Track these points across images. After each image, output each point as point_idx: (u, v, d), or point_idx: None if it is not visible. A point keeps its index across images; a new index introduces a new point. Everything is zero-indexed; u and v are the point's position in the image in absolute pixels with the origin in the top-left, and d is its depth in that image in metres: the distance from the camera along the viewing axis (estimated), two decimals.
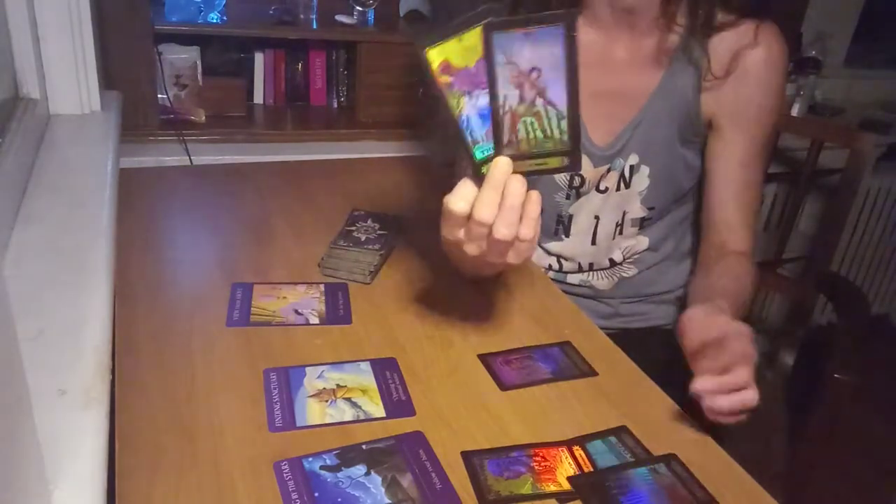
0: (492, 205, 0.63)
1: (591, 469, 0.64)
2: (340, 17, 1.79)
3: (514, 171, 0.64)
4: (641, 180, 1.01)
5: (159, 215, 1.04)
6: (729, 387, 0.67)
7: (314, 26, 1.76)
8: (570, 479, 0.63)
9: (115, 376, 0.66)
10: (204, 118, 1.67)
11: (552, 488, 0.62)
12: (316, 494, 0.58)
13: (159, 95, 1.61)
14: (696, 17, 0.94)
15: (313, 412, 0.67)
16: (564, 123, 0.62)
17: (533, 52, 0.60)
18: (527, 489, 0.61)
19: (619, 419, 0.71)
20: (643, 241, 1.07)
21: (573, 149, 0.63)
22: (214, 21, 1.66)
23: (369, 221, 1.01)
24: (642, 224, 1.05)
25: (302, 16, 1.76)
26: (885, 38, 2.60)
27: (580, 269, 1.09)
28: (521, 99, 0.61)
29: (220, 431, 0.64)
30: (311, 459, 0.62)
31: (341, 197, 1.15)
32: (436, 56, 0.60)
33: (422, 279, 0.94)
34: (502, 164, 0.63)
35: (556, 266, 1.09)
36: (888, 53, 2.58)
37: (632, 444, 0.68)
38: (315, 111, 1.89)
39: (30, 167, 0.91)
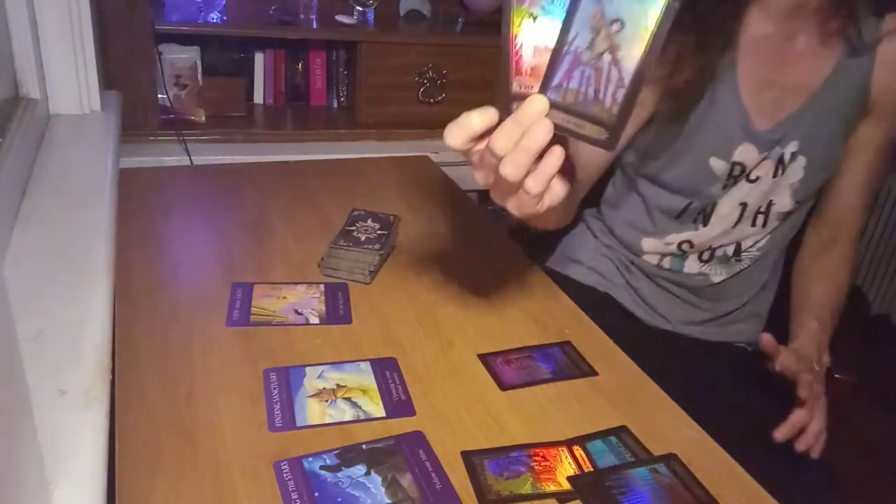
0: (508, 138, 0.56)
1: (591, 469, 0.64)
2: (340, 17, 1.79)
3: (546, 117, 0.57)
4: (796, 171, 1.00)
5: (159, 215, 1.04)
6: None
7: (314, 26, 1.77)
8: (570, 478, 0.63)
9: (115, 376, 0.66)
10: (204, 118, 1.67)
11: (552, 488, 0.62)
12: (316, 494, 0.58)
13: (159, 95, 1.61)
14: (869, 5, 0.95)
15: (313, 412, 0.68)
16: (621, 94, 0.55)
17: (625, 2, 0.53)
18: (527, 489, 0.61)
19: (619, 419, 0.71)
20: (772, 237, 1.07)
21: (616, 126, 0.56)
22: (214, 21, 1.67)
23: (369, 221, 1.01)
24: (785, 219, 1.05)
25: (302, 16, 1.76)
26: None
27: (699, 259, 1.08)
28: (590, 46, 0.54)
29: (220, 431, 0.64)
30: (311, 459, 0.62)
31: (341, 197, 1.15)
32: None
33: (421, 279, 0.94)
34: (538, 102, 0.55)
35: (676, 252, 1.08)
36: None
37: (632, 444, 0.68)
38: (315, 111, 1.89)
39: (30, 167, 0.91)
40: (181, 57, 1.65)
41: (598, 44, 0.54)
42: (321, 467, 0.61)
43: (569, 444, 0.67)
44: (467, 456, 0.64)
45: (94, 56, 1.14)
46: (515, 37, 0.56)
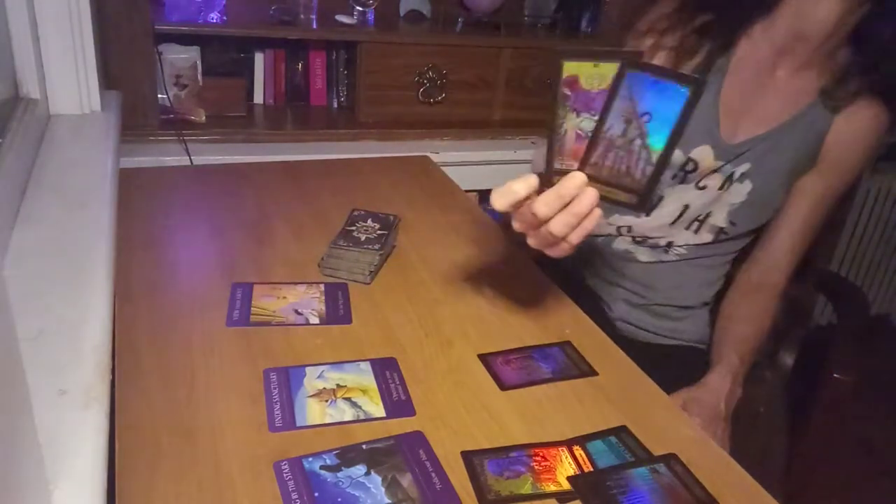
0: (550, 207, 0.67)
1: (591, 469, 0.64)
2: (340, 17, 1.79)
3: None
4: (740, 193, 1.04)
5: (159, 215, 1.04)
6: None
7: (314, 26, 1.76)
8: (570, 478, 0.63)
9: (115, 376, 0.66)
10: (204, 118, 1.67)
11: (552, 488, 0.62)
12: (316, 494, 0.58)
13: (159, 95, 1.61)
14: (851, 70, 0.98)
15: (313, 412, 0.68)
16: (649, 170, 0.66)
17: (653, 99, 0.65)
18: (527, 489, 0.61)
19: (619, 419, 0.71)
20: (705, 247, 1.10)
21: (646, 193, 0.67)
22: (214, 21, 1.66)
23: (369, 221, 1.01)
24: (718, 236, 1.08)
25: (302, 16, 1.76)
26: None
27: (633, 241, 1.12)
28: (623, 133, 0.66)
29: (220, 431, 0.64)
30: (311, 459, 0.62)
31: (341, 197, 1.15)
32: (569, 69, 0.66)
33: (422, 279, 0.94)
34: (577, 177, 0.67)
35: (613, 234, 1.12)
36: None
37: (632, 444, 0.68)
38: (315, 111, 1.89)
39: (30, 167, 0.91)
40: (181, 57, 1.65)
41: (630, 131, 0.66)
42: (321, 467, 0.61)
43: (569, 444, 0.67)
44: (467, 456, 0.64)
45: (94, 56, 1.14)
46: (561, 126, 0.68)
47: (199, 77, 1.69)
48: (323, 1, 1.78)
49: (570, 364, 0.80)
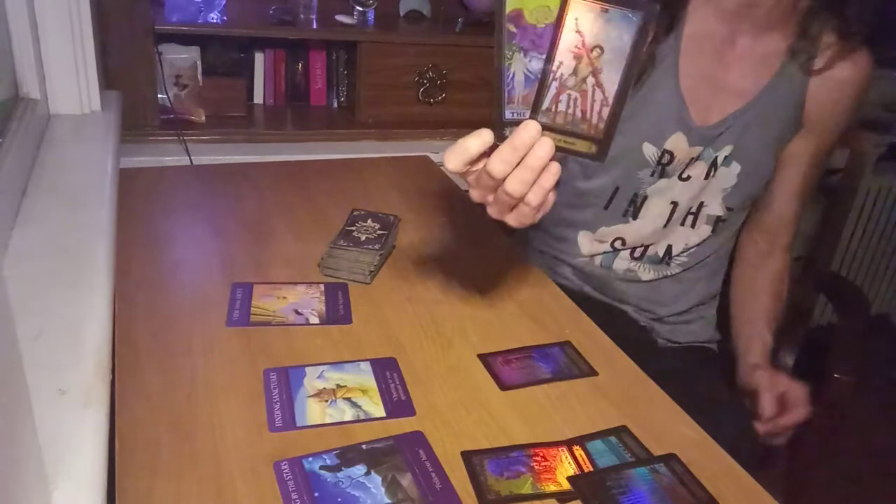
0: (506, 162, 0.61)
1: (591, 469, 0.64)
2: (340, 17, 1.79)
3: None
4: (729, 177, 1.02)
5: (159, 215, 1.04)
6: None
7: (314, 26, 1.76)
8: (570, 479, 0.63)
9: (115, 376, 0.66)
10: (204, 118, 1.67)
11: (552, 488, 0.62)
12: (316, 494, 0.58)
13: (159, 95, 1.61)
14: (814, 22, 0.96)
15: (313, 412, 0.67)
16: (606, 111, 0.61)
17: (602, 30, 0.59)
18: (527, 489, 0.61)
19: (619, 419, 0.71)
20: (704, 246, 1.08)
21: (605, 139, 0.62)
22: (214, 21, 1.66)
23: (369, 221, 1.01)
24: (716, 226, 1.06)
25: (302, 16, 1.76)
26: (886, 38, 2.59)
27: (631, 256, 1.09)
28: (574, 72, 0.61)
29: (220, 431, 0.64)
30: (311, 459, 0.62)
31: (341, 197, 1.15)
32: (513, 2, 0.60)
33: (422, 279, 0.94)
34: (531, 127, 0.61)
35: (608, 250, 1.09)
36: (888, 53, 2.58)
37: (632, 444, 0.68)
38: (315, 111, 1.89)
39: (30, 167, 0.91)
40: (181, 57, 1.65)
41: (581, 69, 0.61)
42: (321, 467, 0.61)
43: (569, 444, 0.67)
44: (467, 456, 0.64)
45: (94, 56, 1.14)
46: (507, 68, 0.62)
47: (199, 77, 1.69)
48: (323, 1, 1.78)
49: (570, 364, 0.80)
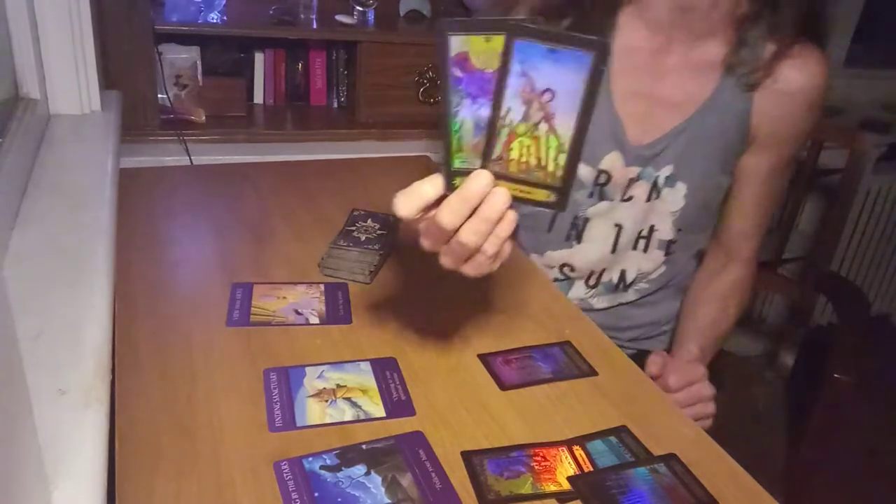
0: (456, 213, 0.57)
1: (591, 469, 0.64)
2: (340, 17, 1.79)
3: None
4: (676, 199, 0.97)
5: (159, 215, 1.04)
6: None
7: (314, 26, 1.76)
8: (570, 479, 0.63)
9: (115, 376, 0.66)
10: (204, 118, 1.67)
11: (552, 488, 0.62)
12: (316, 494, 0.58)
13: (159, 95, 1.61)
14: (752, 29, 0.90)
15: (313, 412, 0.68)
16: (563, 158, 0.57)
17: (552, 72, 0.54)
18: (527, 489, 0.61)
19: (619, 419, 0.71)
20: (660, 270, 1.04)
21: (564, 187, 0.58)
22: (214, 21, 1.66)
23: (369, 221, 1.01)
24: (668, 249, 1.01)
25: (302, 16, 1.76)
26: (885, 38, 2.60)
27: (586, 284, 1.05)
28: (525, 117, 0.56)
29: (220, 431, 0.64)
30: (311, 459, 0.62)
31: (341, 197, 1.15)
32: (456, 45, 0.54)
33: (422, 279, 0.94)
34: (481, 177, 0.57)
35: (560, 277, 1.05)
36: (888, 53, 2.59)
37: (632, 444, 0.68)
38: (315, 111, 1.89)
39: (30, 167, 0.91)
40: (181, 57, 1.65)
41: (533, 114, 0.56)
42: (321, 467, 0.61)
43: (569, 444, 0.67)
44: (467, 456, 0.64)
45: (94, 56, 1.14)
46: (455, 116, 0.57)
47: (199, 77, 1.69)
48: (323, 1, 1.78)
49: (570, 364, 0.80)
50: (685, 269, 1.07)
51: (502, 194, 0.57)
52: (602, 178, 0.96)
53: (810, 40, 0.92)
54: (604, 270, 1.03)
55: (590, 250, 1.01)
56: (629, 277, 1.04)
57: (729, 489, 0.64)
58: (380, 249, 0.93)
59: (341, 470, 0.61)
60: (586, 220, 1.00)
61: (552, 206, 0.59)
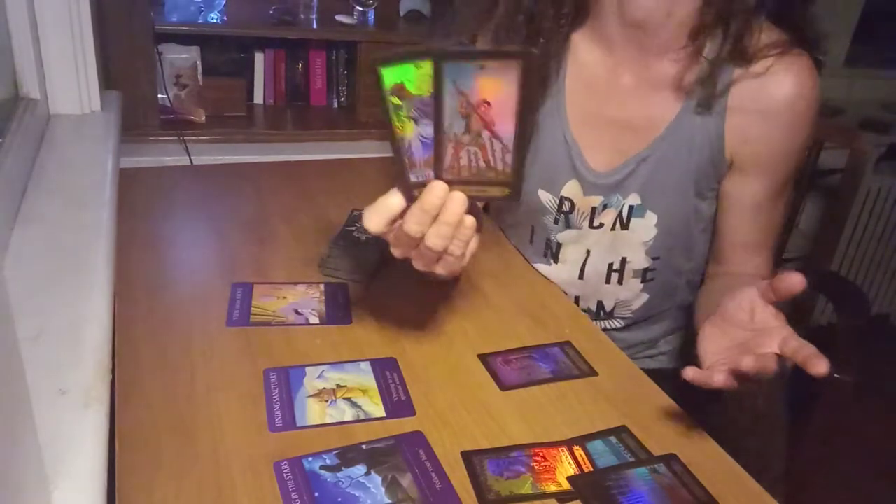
0: (420, 223, 0.62)
1: (591, 469, 0.64)
2: (340, 17, 1.79)
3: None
4: (647, 229, 0.91)
5: (159, 215, 1.04)
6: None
7: (314, 26, 1.77)
8: (570, 479, 0.63)
9: (115, 376, 0.66)
10: (204, 118, 1.68)
11: (552, 488, 0.62)
12: (316, 494, 0.58)
13: (159, 95, 1.61)
14: (727, 44, 0.82)
15: (313, 412, 0.68)
16: (510, 157, 0.60)
17: (485, 85, 0.57)
18: (527, 489, 0.61)
19: (619, 419, 0.71)
20: (642, 298, 0.98)
21: (515, 179, 0.61)
22: (214, 21, 1.67)
23: None
24: (645, 276, 0.96)
25: (302, 16, 1.76)
26: (885, 38, 2.60)
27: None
28: (467, 129, 0.59)
29: (220, 431, 0.64)
30: (311, 459, 0.62)
31: (341, 197, 1.15)
32: (389, 77, 0.58)
33: (422, 279, 0.94)
34: (437, 188, 0.61)
35: None
36: (888, 53, 2.59)
37: (632, 444, 0.68)
38: (315, 111, 1.89)
39: (30, 167, 0.91)
40: (181, 57, 1.65)
41: (473, 126, 0.59)
42: (321, 467, 0.61)
43: (569, 444, 0.67)
44: (467, 456, 0.64)
45: (94, 56, 1.14)
46: (402, 137, 0.61)
47: (199, 77, 1.69)
48: (323, 1, 1.78)
49: (570, 364, 0.80)
50: (672, 289, 1.00)
51: (458, 199, 0.61)
52: (566, 206, 0.94)
53: (800, 47, 0.84)
54: (578, 298, 1.00)
55: (562, 271, 0.99)
56: (608, 307, 1.00)
57: (729, 489, 0.64)
58: (380, 249, 0.93)
59: (341, 470, 0.61)
60: (559, 244, 0.98)
61: (508, 199, 0.63)
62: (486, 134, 0.59)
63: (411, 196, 0.63)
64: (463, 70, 0.57)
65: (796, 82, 0.83)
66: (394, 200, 0.63)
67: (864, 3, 2.41)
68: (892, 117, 2.38)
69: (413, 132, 0.60)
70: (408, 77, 0.58)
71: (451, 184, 0.62)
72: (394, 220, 0.63)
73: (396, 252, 0.67)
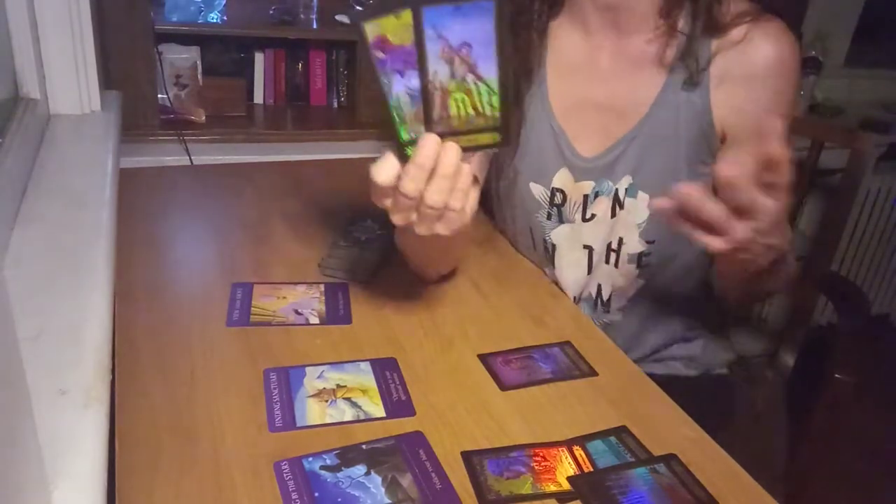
0: (416, 180, 0.62)
1: (591, 469, 0.64)
2: (340, 17, 1.79)
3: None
4: (640, 210, 0.90)
5: (159, 215, 1.04)
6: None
7: (314, 26, 1.76)
8: (570, 479, 0.63)
9: (115, 376, 0.66)
10: (204, 118, 1.67)
11: (552, 488, 0.62)
12: (316, 494, 0.58)
13: (159, 95, 1.61)
14: (699, 17, 0.84)
15: (313, 412, 0.67)
16: (496, 99, 0.62)
17: (463, 27, 0.59)
18: (527, 489, 0.61)
19: (619, 419, 0.71)
20: (637, 284, 0.96)
21: (505, 125, 0.63)
22: (214, 21, 1.67)
23: (369, 221, 1.00)
24: (640, 261, 0.93)
25: (302, 16, 1.76)
26: (885, 38, 2.60)
27: (575, 301, 0.99)
28: (452, 75, 0.61)
29: (220, 431, 0.64)
30: (311, 459, 0.62)
31: (341, 197, 1.15)
32: (371, 30, 0.60)
33: (422, 280, 0.94)
34: (429, 141, 0.62)
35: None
36: (888, 53, 2.59)
37: (632, 444, 0.68)
38: (315, 111, 1.89)
39: (30, 167, 0.91)
40: (181, 57, 1.65)
41: (458, 70, 0.61)
42: (321, 467, 0.61)
43: (569, 444, 0.67)
44: (467, 456, 0.64)
45: (94, 56, 1.14)
46: (389, 94, 0.63)
47: (199, 77, 1.69)
48: (323, 1, 1.78)
49: (570, 364, 0.80)
50: (670, 277, 0.97)
51: (452, 149, 0.62)
52: (558, 198, 0.94)
53: (770, 13, 0.85)
54: (581, 294, 0.99)
55: (566, 273, 0.98)
56: (605, 293, 0.98)
57: (729, 489, 0.64)
58: (380, 249, 0.93)
59: (341, 470, 0.61)
60: (554, 245, 0.97)
61: (500, 145, 0.64)
62: (470, 77, 0.61)
63: (404, 155, 0.64)
64: (441, 13, 0.59)
65: (776, 45, 0.84)
66: (392, 162, 0.64)
67: (864, 3, 2.41)
68: (892, 117, 2.38)
69: (400, 86, 0.62)
70: (389, 28, 0.60)
71: (443, 136, 0.63)
72: (397, 178, 0.64)
73: (397, 218, 0.67)
